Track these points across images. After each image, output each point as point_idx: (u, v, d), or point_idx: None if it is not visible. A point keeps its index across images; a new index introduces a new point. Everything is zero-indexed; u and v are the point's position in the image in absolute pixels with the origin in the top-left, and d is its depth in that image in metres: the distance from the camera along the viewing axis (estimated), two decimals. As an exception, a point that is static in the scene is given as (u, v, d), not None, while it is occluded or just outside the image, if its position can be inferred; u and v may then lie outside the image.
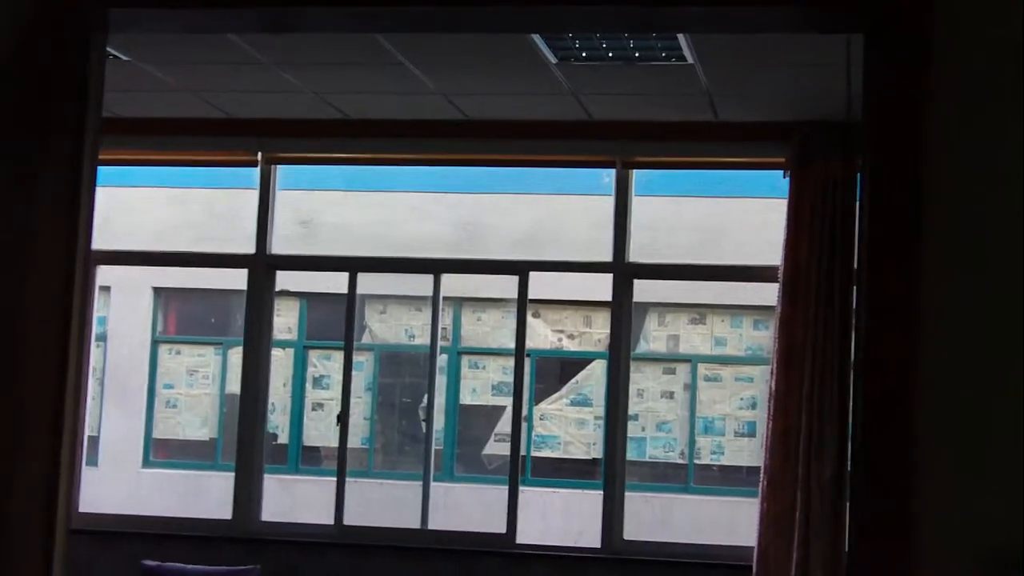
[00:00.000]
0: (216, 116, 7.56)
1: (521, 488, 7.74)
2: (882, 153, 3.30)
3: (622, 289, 7.56)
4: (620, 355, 7.53)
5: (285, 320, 13.60)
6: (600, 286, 8.06)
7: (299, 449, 13.93)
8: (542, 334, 13.60)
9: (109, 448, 13.64)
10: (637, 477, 12.14)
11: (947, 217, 3.26)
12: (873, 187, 3.30)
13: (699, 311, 13.54)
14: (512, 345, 7.87)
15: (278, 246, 8.01)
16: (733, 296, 12.60)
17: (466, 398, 13.81)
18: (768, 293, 7.44)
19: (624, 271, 7.56)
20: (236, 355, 10.11)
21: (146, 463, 14.00)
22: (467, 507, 12.18)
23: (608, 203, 7.62)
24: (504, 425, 13.10)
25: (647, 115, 7.24)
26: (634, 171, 7.59)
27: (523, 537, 7.61)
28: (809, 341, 6.96)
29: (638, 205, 7.65)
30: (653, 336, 13.72)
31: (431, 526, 8.57)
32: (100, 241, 3.75)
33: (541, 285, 8.17)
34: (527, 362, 7.91)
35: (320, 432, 13.96)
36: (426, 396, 9.67)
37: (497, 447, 13.52)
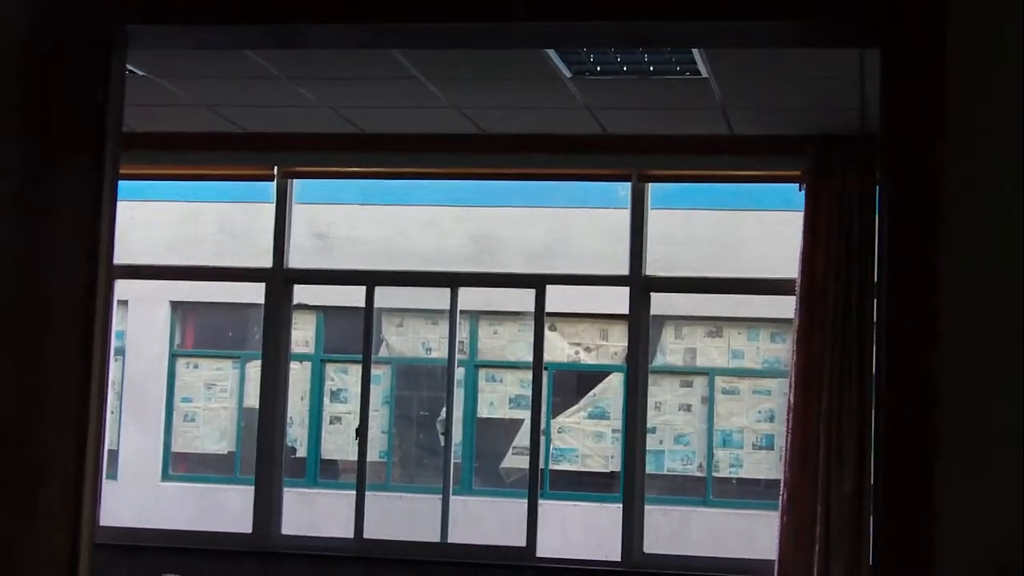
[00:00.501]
0: (232, 131, 7.59)
1: (540, 501, 7.74)
2: (900, 167, 3.29)
3: (639, 302, 7.56)
4: (638, 368, 7.53)
5: (303, 334, 13.62)
6: (617, 299, 8.05)
7: (317, 462, 13.94)
8: (559, 347, 13.60)
9: (128, 462, 13.68)
10: (656, 490, 12.11)
11: (967, 230, 3.26)
12: (891, 201, 3.30)
13: (716, 324, 13.52)
14: (529, 358, 7.88)
15: (295, 260, 8.03)
16: (749, 309, 12.58)
17: (484, 411, 13.81)
18: (784, 305, 7.43)
19: (641, 284, 7.56)
20: (254, 369, 10.15)
21: (165, 477, 14.02)
22: (486, 520, 12.17)
23: (624, 216, 7.62)
24: (522, 438, 13.09)
25: (662, 129, 7.24)
26: (650, 184, 7.59)
27: (543, 551, 7.60)
28: (827, 354, 6.94)
29: (654, 218, 7.66)
30: (670, 349, 13.70)
31: (450, 539, 8.57)
32: (117, 255, 3.76)
33: (558, 298, 8.18)
34: (544, 375, 7.90)
35: (338, 445, 13.98)
36: (444, 409, 9.67)
37: (515, 460, 13.51)
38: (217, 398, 14.29)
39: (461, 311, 8.45)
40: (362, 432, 7.95)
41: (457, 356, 8.56)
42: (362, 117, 7.26)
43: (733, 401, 13.49)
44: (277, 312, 7.90)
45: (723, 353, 13.63)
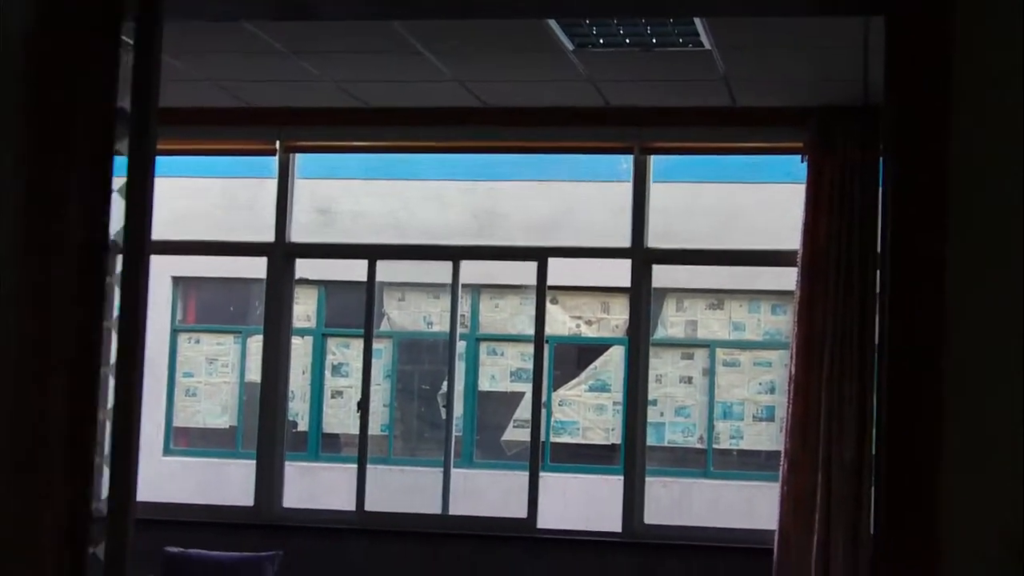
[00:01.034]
0: (235, 105, 7.59)
1: (541, 474, 7.77)
2: (906, 137, 3.28)
3: (640, 275, 7.57)
4: (639, 341, 7.55)
5: (304, 308, 13.64)
6: (618, 272, 8.07)
7: (319, 436, 13.98)
8: (560, 320, 13.62)
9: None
10: (656, 462, 12.13)
11: (972, 203, 3.26)
12: (897, 172, 3.29)
13: (717, 296, 13.54)
14: (530, 331, 7.90)
15: (297, 234, 8.04)
16: (750, 281, 12.60)
17: (485, 385, 13.84)
18: (785, 278, 7.45)
19: (642, 257, 7.57)
20: (255, 343, 10.17)
21: (167, 451, 14.06)
22: (487, 493, 12.22)
23: (626, 189, 7.63)
24: (523, 411, 13.12)
25: (665, 101, 7.24)
26: (652, 157, 7.59)
27: (544, 522, 7.64)
28: (829, 324, 6.96)
29: (656, 191, 7.66)
30: (671, 322, 13.72)
31: (452, 512, 8.61)
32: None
33: (559, 271, 8.19)
34: (546, 348, 7.92)
35: (340, 419, 14.01)
36: (445, 383, 9.70)
37: (516, 433, 13.55)
38: (219, 373, 14.32)
39: (463, 285, 8.47)
40: (364, 406, 7.98)
41: (459, 330, 8.58)
42: (364, 91, 7.26)
43: (734, 373, 13.52)
44: (279, 287, 7.91)
45: (724, 325, 13.65)
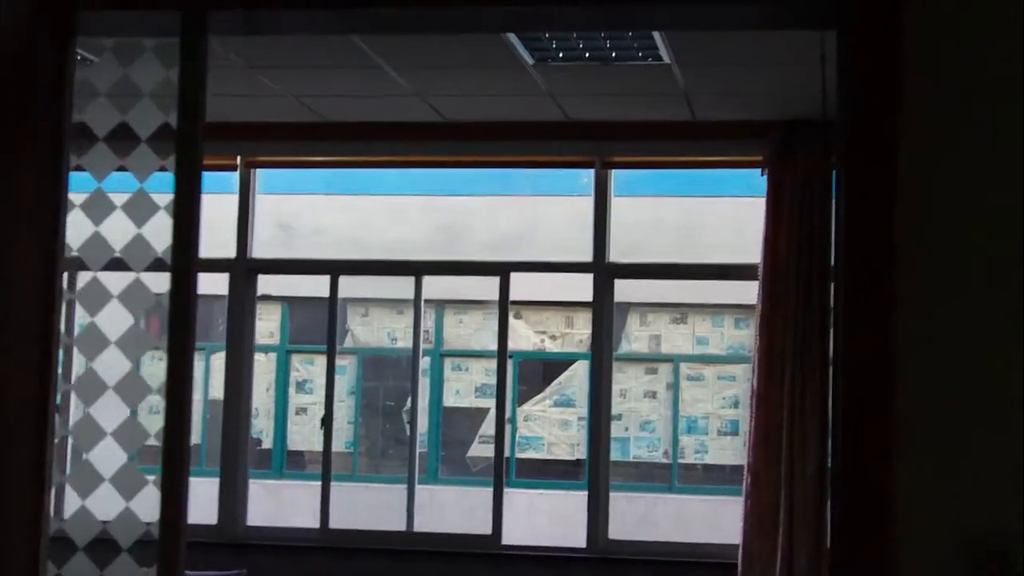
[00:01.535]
0: (194, 121, 7.54)
1: (506, 489, 7.76)
2: (856, 148, 3.31)
3: (603, 289, 7.57)
4: (602, 355, 7.54)
5: (267, 325, 13.58)
6: (581, 286, 8.06)
7: (283, 454, 13.92)
8: (524, 335, 13.61)
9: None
10: (621, 477, 12.16)
11: (922, 210, 3.28)
12: (848, 182, 3.32)
13: (680, 311, 13.57)
14: (494, 347, 7.88)
15: (259, 250, 8.01)
16: (714, 295, 12.63)
17: (449, 400, 13.82)
18: (748, 291, 7.46)
19: (605, 271, 7.57)
20: (218, 360, 10.10)
21: (130, 470, 13.92)
22: (452, 509, 12.18)
23: (588, 203, 7.63)
24: (488, 427, 13.10)
25: (625, 115, 7.25)
26: (613, 171, 7.60)
27: (508, 538, 7.61)
28: (789, 338, 6.98)
29: (617, 205, 7.67)
30: (635, 336, 13.74)
31: (416, 528, 8.57)
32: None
33: (522, 286, 8.18)
34: (510, 364, 7.92)
35: (304, 436, 13.95)
36: (409, 399, 9.66)
37: (481, 449, 13.53)
38: (182, 390, 14.20)
39: (426, 300, 8.44)
40: (328, 422, 7.94)
41: (422, 345, 8.55)
42: (325, 106, 7.24)
43: (698, 387, 13.54)
44: (241, 303, 7.88)
45: (688, 340, 13.68)
